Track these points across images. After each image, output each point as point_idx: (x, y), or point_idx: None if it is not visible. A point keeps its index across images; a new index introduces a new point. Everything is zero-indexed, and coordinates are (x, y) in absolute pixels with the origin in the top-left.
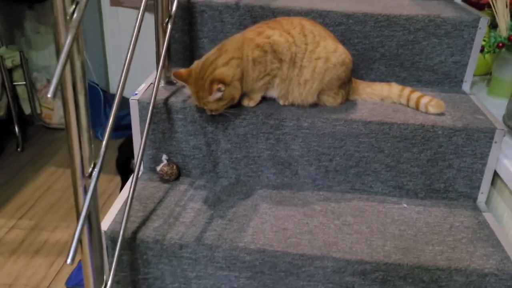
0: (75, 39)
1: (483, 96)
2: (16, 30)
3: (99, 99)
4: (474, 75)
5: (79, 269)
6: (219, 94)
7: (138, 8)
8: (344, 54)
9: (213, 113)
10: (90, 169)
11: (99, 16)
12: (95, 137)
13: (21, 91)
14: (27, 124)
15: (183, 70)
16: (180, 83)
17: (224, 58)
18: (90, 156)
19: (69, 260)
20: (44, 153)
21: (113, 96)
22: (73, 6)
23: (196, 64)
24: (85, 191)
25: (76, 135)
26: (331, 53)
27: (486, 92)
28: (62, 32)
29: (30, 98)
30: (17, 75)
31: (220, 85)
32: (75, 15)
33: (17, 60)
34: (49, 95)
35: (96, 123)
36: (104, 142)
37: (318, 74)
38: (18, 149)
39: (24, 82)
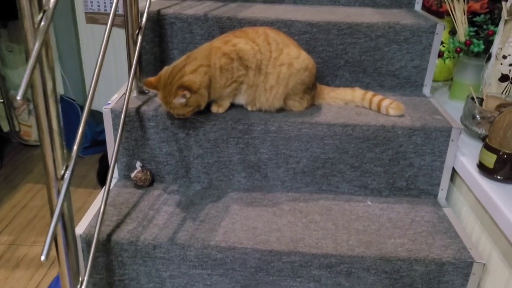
0: (43, 45)
1: (445, 100)
2: None
3: (76, 114)
4: (438, 81)
5: (58, 279)
6: (182, 100)
7: (115, 26)
8: (307, 60)
9: (180, 117)
10: (63, 171)
11: (75, 33)
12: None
13: None
14: (5, 142)
15: (152, 78)
16: (152, 92)
17: (193, 65)
18: (62, 158)
19: (43, 257)
20: (21, 170)
21: (92, 112)
22: (41, 15)
23: (166, 70)
24: (58, 193)
25: (48, 138)
26: (294, 59)
27: (448, 96)
28: (31, 39)
29: (8, 116)
30: None
31: (185, 92)
32: (42, 22)
33: None
34: (18, 97)
35: (73, 139)
36: (76, 143)
37: (283, 79)
38: None
39: (2, 100)
